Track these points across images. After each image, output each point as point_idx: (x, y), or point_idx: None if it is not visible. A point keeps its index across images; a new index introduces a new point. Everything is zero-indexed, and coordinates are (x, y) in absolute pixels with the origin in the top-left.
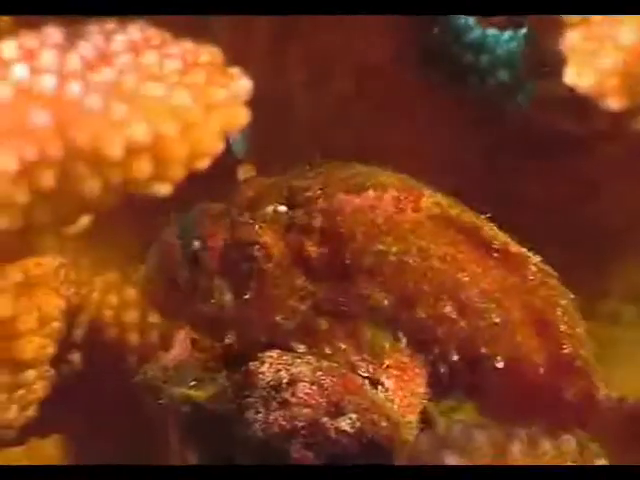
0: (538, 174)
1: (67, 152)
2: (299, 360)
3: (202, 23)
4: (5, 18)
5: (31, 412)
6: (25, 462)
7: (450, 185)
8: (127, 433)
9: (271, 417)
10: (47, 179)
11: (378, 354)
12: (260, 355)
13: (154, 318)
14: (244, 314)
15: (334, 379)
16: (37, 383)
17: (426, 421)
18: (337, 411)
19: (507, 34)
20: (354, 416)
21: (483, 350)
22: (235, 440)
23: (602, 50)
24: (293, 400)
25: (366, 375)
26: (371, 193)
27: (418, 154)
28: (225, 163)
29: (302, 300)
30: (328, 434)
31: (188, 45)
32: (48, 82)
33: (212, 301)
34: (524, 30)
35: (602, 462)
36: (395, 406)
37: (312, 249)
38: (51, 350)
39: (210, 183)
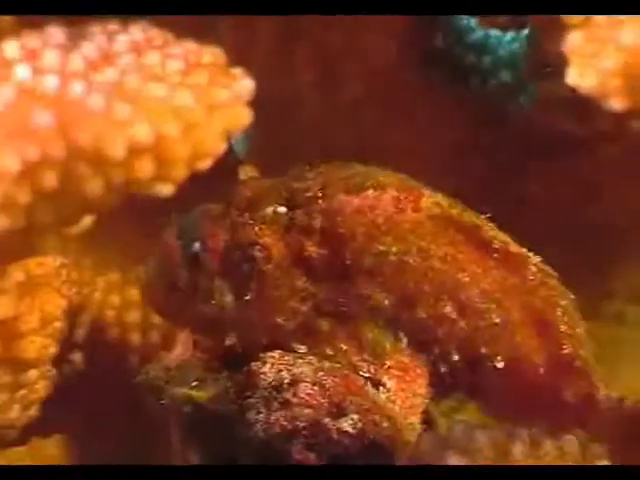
0: (540, 175)
1: (69, 152)
2: (301, 360)
3: (204, 24)
4: (7, 18)
5: (33, 412)
6: (27, 462)
7: (452, 186)
8: (129, 433)
9: (272, 417)
10: (49, 179)
11: (379, 355)
12: (262, 355)
13: (156, 318)
14: (245, 315)
15: (336, 380)
16: (39, 383)
17: (428, 422)
18: (339, 412)
19: (509, 35)
20: (356, 417)
21: (483, 350)
22: (237, 440)
23: (604, 51)
24: (294, 400)
25: (367, 376)
26: (371, 193)
27: (421, 155)
28: (226, 164)
29: (303, 301)
30: (330, 435)
31: (190, 45)
32: (50, 82)
33: (213, 302)
34: (526, 31)
35: (604, 462)
36: (397, 407)
37: (312, 250)
38: (53, 350)
39: (211, 183)
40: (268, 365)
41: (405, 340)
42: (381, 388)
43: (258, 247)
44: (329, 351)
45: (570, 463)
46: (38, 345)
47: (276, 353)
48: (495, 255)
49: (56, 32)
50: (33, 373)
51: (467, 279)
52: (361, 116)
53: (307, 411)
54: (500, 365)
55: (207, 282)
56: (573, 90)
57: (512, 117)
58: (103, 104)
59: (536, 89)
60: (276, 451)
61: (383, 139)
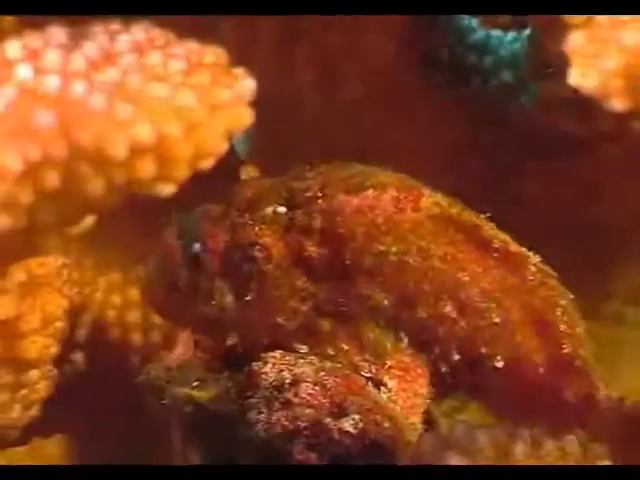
0: (542, 175)
1: (71, 152)
2: (302, 360)
3: (206, 24)
4: (9, 18)
5: (34, 412)
6: (28, 462)
7: (453, 186)
8: (130, 433)
9: (274, 417)
10: (51, 179)
11: (380, 354)
12: (263, 355)
13: (157, 318)
14: (245, 315)
15: (337, 380)
16: (40, 383)
17: (429, 422)
18: (340, 412)
19: (511, 35)
20: (357, 417)
21: (483, 350)
22: (238, 440)
23: (606, 51)
24: (296, 400)
25: (369, 376)
26: (370, 193)
27: (421, 155)
28: (228, 164)
29: (303, 301)
30: (331, 435)
31: (192, 45)
32: (52, 82)
33: (213, 303)
34: (528, 31)
35: (605, 463)
36: (398, 407)
37: (312, 250)
38: (54, 350)
39: (213, 184)
40: (269, 365)
41: (406, 340)
42: (382, 388)
43: (258, 247)
44: (330, 351)
45: (571, 463)
46: (39, 345)
47: (277, 353)
48: (495, 254)
49: (58, 32)
50: (34, 373)
51: (467, 278)
52: (361, 116)
53: (308, 411)
54: (500, 365)
55: (207, 282)
56: (575, 90)
57: (513, 117)
58: (105, 104)
59: (537, 89)
60: (277, 451)
61: (383, 139)
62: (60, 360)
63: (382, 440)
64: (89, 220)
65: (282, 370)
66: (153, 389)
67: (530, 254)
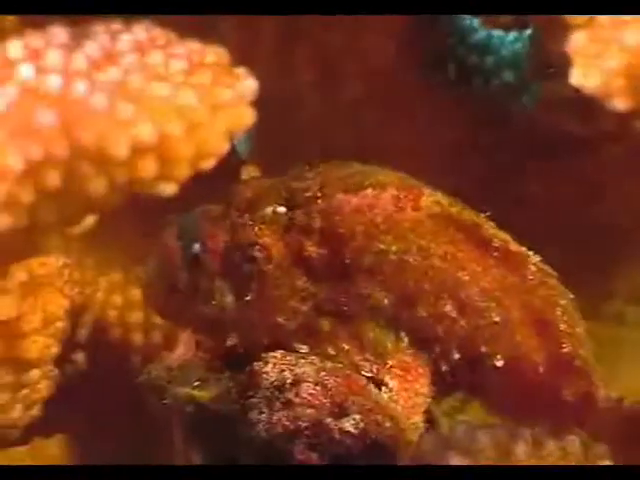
0: (543, 175)
1: (72, 152)
2: (303, 360)
3: (208, 23)
4: (11, 18)
5: (35, 412)
6: (29, 462)
7: (454, 187)
8: (131, 433)
9: (275, 417)
10: (52, 179)
11: (381, 354)
12: (264, 355)
13: (158, 318)
14: (246, 315)
15: (338, 380)
16: (41, 383)
17: (430, 421)
18: (341, 412)
19: (512, 35)
20: (358, 417)
21: (483, 349)
22: (239, 440)
23: (608, 51)
24: (297, 400)
25: (369, 375)
26: (370, 192)
27: (421, 155)
28: (229, 164)
29: (303, 301)
30: (332, 435)
31: (194, 45)
32: (54, 82)
33: (213, 303)
34: (529, 31)
35: (606, 463)
36: (399, 407)
37: (312, 249)
38: (55, 350)
39: (214, 184)
40: (270, 365)
41: (406, 339)
42: (383, 388)
43: (258, 247)
44: (331, 351)
45: (573, 463)
46: (40, 345)
47: (278, 353)
48: (495, 254)
49: (59, 32)
50: (35, 373)
51: (467, 278)
52: (362, 116)
53: (309, 411)
54: (500, 364)
55: (207, 283)
56: (576, 90)
57: (515, 117)
58: (106, 103)
59: (539, 89)
60: (278, 451)
61: (383, 139)
62: (61, 360)
63: (383, 440)
64: (90, 220)
65: (283, 370)
66: (154, 389)
67: (530, 253)
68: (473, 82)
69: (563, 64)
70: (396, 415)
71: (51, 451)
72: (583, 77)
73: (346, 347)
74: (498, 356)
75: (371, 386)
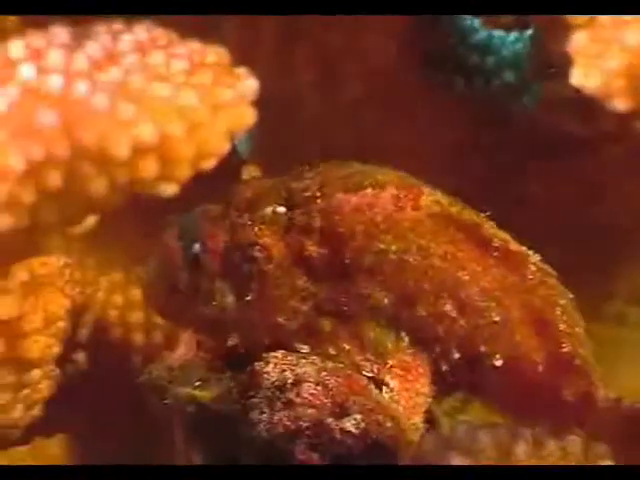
0: (544, 175)
1: (74, 152)
2: (304, 360)
3: (209, 23)
4: (12, 18)
5: (36, 411)
6: (30, 461)
7: (455, 187)
8: (132, 433)
9: (276, 417)
10: (54, 179)
11: (382, 354)
12: (265, 355)
13: (159, 318)
14: (246, 315)
15: (339, 380)
16: (42, 382)
17: (430, 421)
18: (342, 412)
19: (513, 35)
20: (359, 417)
21: (482, 349)
22: (240, 440)
23: (609, 51)
24: (298, 400)
25: (370, 375)
26: (369, 191)
27: (422, 155)
28: (230, 164)
29: (304, 300)
30: (333, 435)
31: (195, 45)
32: (55, 82)
33: (214, 303)
34: (530, 31)
35: (607, 462)
36: (400, 407)
37: (312, 249)
38: (56, 350)
39: (215, 184)
40: (271, 365)
41: (407, 339)
42: (384, 388)
43: (258, 247)
44: (332, 351)
45: (573, 463)
46: (42, 345)
47: (279, 353)
48: (495, 253)
49: (60, 32)
50: (36, 373)
51: (467, 277)
52: (361, 116)
53: (310, 411)
54: (499, 363)
55: (208, 283)
56: (577, 90)
57: (516, 117)
58: (107, 104)
59: (540, 89)
60: (279, 451)
61: (383, 139)
62: (62, 360)
63: (384, 440)
64: (91, 220)
65: (284, 370)
66: (155, 389)
67: (530, 253)
68: (474, 82)
69: (564, 64)
70: (397, 415)
71: (52, 451)
72: (584, 77)
73: (347, 347)
74: (497, 355)
75: (372, 386)
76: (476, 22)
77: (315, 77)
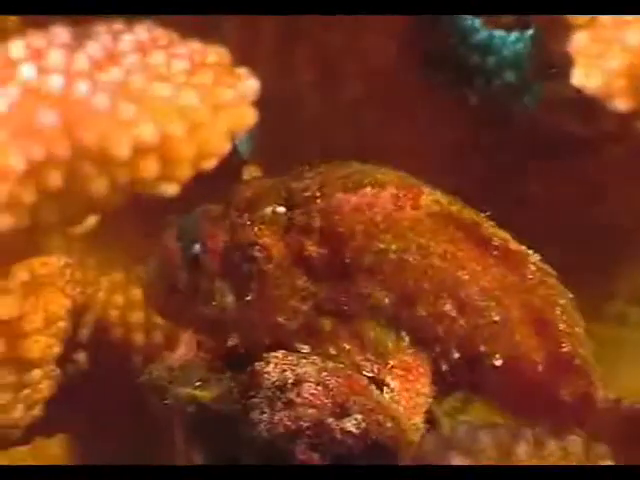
0: (545, 175)
1: (74, 152)
2: (304, 360)
3: (209, 23)
4: (13, 18)
5: (37, 411)
6: (30, 461)
7: (455, 187)
8: (132, 433)
9: (276, 417)
10: (54, 179)
11: (382, 354)
12: (265, 355)
13: (159, 319)
14: (246, 315)
15: (339, 380)
16: (43, 382)
17: (431, 422)
18: (342, 412)
19: (514, 35)
20: (359, 417)
21: (482, 348)
22: (240, 440)
23: (609, 51)
24: (298, 400)
25: (371, 375)
26: (369, 191)
27: (422, 155)
28: (231, 164)
29: (304, 300)
30: (333, 435)
31: (195, 45)
32: (55, 82)
33: (214, 303)
34: (531, 31)
35: (607, 463)
36: (401, 407)
37: (312, 249)
38: (57, 349)
39: (216, 184)
40: (272, 365)
41: (407, 339)
42: (385, 388)
43: (258, 247)
44: (332, 351)
45: (574, 463)
46: (42, 345)
47: (280, 353)
48: (495, 253)
49: (61, 32)
50: (37, 373)
51: (467, 277)
52: (361, 116)
53: (311, 411)
54: (499, 363)
55: (208, 283)
56: (578, 90)
57: (516, 117)
58: (108, 104)
59: (541, 89)
60: (280, 451)
61: (383, 139)
62: (63, 360)
63: (384, 440)
64: (92, 220)
65: (285, 370)
66: (155, 389)
67: (530, 252)
68: (474, 82)
69: (565, 64)
70: (397, 415)
71: (53, 451)
72: (585, 77)
73: (347, 347)
74: (497, 355)
75: (372, 386)
76: (477, 22)
77: (315, 77)
